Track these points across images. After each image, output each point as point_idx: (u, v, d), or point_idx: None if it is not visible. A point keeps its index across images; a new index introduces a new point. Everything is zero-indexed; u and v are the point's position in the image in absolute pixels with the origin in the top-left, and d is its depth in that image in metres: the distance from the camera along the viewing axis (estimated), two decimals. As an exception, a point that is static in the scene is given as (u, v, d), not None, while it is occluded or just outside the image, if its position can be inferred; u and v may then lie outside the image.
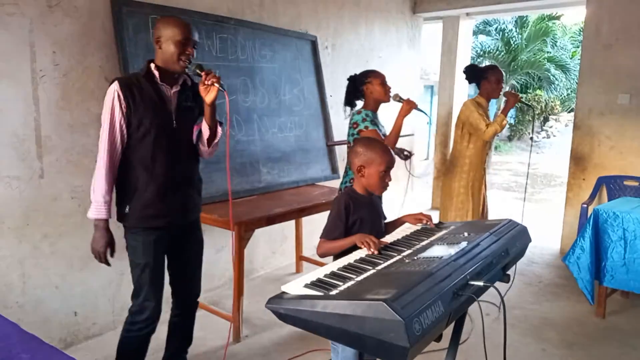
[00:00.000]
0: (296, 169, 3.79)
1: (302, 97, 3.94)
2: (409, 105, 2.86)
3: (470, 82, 3.61)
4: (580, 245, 3.21)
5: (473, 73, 3.55)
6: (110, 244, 2.08)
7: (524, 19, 12.22)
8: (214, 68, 3.24)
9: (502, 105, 3.37)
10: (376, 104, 2.94)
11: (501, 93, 3.54)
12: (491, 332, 3.00)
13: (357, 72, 2.99)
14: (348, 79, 3.01)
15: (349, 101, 3.01)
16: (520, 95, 3.21)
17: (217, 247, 3.54)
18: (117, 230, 2.13)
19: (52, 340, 2.67)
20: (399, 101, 2.94)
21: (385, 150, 1.91)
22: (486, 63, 13.07)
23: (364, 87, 2.91)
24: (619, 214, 3.12)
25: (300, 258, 4.05)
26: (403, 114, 2.85)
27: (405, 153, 3.08)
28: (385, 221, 2.13)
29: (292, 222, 3.97)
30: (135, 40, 2.82)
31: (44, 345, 1.35)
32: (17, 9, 2.41)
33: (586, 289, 3.20)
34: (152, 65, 2.04)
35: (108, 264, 2.12)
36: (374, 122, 2.84)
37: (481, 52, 12.56)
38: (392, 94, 2.96)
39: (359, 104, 3.01)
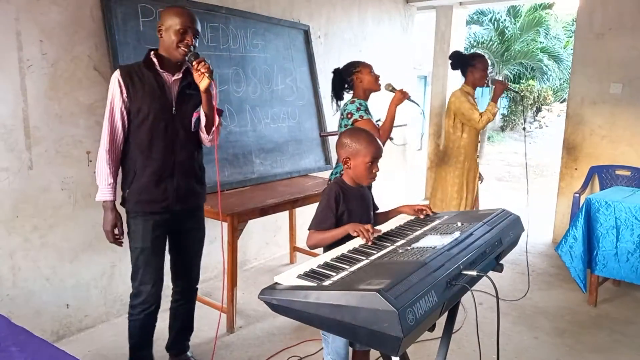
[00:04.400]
0: (289, 159, 3.77)
1: (295, 87, 3.91)
2: (402, 95, 2.84)
3: (455, 69, 3.57)
4: (573, 235, 3.23)
5: (460, 60, 3.51)
6: (118, 224, 2.16)
7: (517, 8, 12.21)
8: (205, 58, 3.21)
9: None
10: (366, 94, 2.90)
11: (487, 80, 3.51)
12: (484, 321, 3.02)
13: (341, 65, 2.95)
14: (333, 72, 2.96)
15: (337, 94, 2.97)
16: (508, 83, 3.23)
17: (210, 238, 3.50)
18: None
19: (44, 332, 2.65)
20: (391, 90, 2.92)
21: (370, 140, 1.88)
22: (479, 52, 13.06)
23: (353, 77, 2.88)
24: (610, 203, 3.14)
25: (293, 249, 4.05)
26: (396, 102, 2.84)
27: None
28: (377, 212, 2.12)
29: (286, 213, 3.96)
30: (125, 28, 2.77)
31: (33, 338, 1.34)
32: (2, -4, 2.36)
33: (579, 277, 3.23)
34: (152, 54, 2.10)
35: (119, 243, 2.20)
36: (368, 111, 2.82)
37: (474, 43, 12.54)
38: (383, 83, 2.93)
39: (347, 96, 2.98)
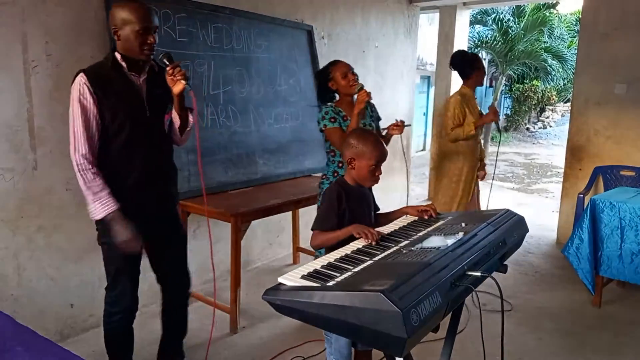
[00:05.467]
0: (292, 160, 3.77)
1: (299, 88, 3.91)
2: (366, 97, 2.55)
3: (456, 69, 3.48)
4: (579, 236, 3.22)
5: (465, 60, 3.44)
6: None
7: (521, 8, 12.16)
8: (209, 58, 3.23)
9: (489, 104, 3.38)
10: (347, 99, 2.68)
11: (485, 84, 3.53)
12: (488, 322, 3.01)
13: (351, 64, 2.74)
14: (314, 75, 2.84)
15: (322, 98, 2.76)
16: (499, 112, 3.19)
17: (213, 238, 3.51)
18: (91, 227, 2.09)
19: (49, 332, 2.66)
20: (359, 90, 2.61)
21: (377, 144, 1.88)
22: (483, 53, 13.02)
23: (331, 84, 2.67)
24: (615, 203, 3.13)
25: (297, 249, 4.05)
26: (357, 106, 2.56)
27: (398, 123, 2.71)
28: (379, 212, 2.12)
29: (289, 214, 3.96)
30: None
31: (38, 338, 1.34)
32: (8, -2, 2.38)
33: (587, 279, 3.21)
34: (119, 56, 1.95)
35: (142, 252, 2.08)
36: (335, 118, 2.59)
37: (478, 42, 12.50)
38: (358, 87, 2.62)
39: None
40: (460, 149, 3.39)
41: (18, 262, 2.54)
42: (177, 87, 1.97)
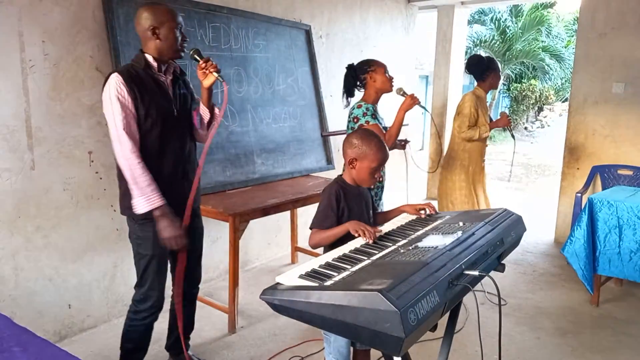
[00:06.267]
0: (291, 159, 3.77)
1: (297, 87, 3.91)
2: (413, 101, 2.80)
3: (471, 73, 3.58)
4: (577, 235, 3.23)
5: (481, 64, 3.53)
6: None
7: (519, 7, 12.20)
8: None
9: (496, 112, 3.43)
10: (377, 95, 2.87)
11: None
12: (485, 321, 3.02)
13: (355, 62, 2.92)
14: (347, 68, 2.92)
15: (349, 90, 2.92)
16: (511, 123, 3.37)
17: (211, 238, 3.53)
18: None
19: (47, 333, 2.66)
20: (402, 95, 2.88)
21: (380, 147, 1.87)
22: (482, 52, 13.03)
23: (367, 76, 2.84)
24: (613, 202, 3.13)
25: (295, 249, 4.05)
26: (405, 107, 2.80)
27: (402, 142, 3.06)
28: (377, 212, 2.12)
29: (287, 213, 3.96)
30: (127, 29, 2.77)
31: (36, 339, 1.34)
32: (4, -3, 2.37)
33: (585, 278, 3.21)
34: (150, 58, 2.03)
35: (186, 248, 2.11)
36: (375, 116, 2.79)
37: (477, 42, 12.53)
38: (395, 87, 2.90)
39: (358, 94, 2.94)
40: (468, 151, 3.41)
41: (16, 262, 2.53)
42: (209, 80, 2.07)
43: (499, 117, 3.56)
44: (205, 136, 2.25)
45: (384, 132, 2.79)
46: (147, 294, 2.15)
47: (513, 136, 3.81)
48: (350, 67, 2.92)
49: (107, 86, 1.95)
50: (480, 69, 3.50)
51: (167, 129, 2.05)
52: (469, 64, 3.57)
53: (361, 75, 2.86)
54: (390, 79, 2.85)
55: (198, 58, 2.09)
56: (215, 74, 2.06)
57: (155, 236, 2.05)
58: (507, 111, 15.86)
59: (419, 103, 2.85)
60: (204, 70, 2.06)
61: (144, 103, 1.97)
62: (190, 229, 2.26)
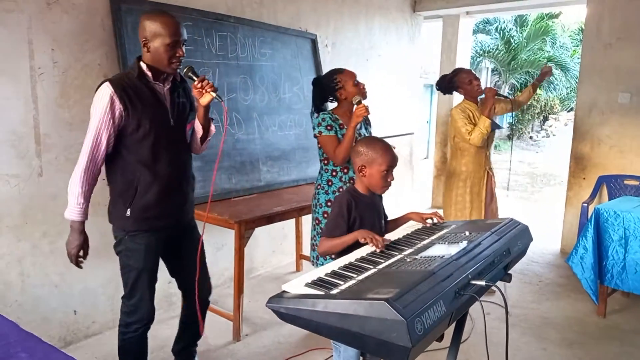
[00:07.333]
0: (296, 167, 3.78)
1: (302, 96, 3.93)
2: (361, 112, 2.43)
3: (447, 93, 3.56)
4: (583, 245, 3.21)
5: (444, 84, 3.48)
6: (84, 246, 2.03)
7: (524, 17, 12.23)
8: (213, 66, 3.25)
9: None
10: (350, 107, 2.60)
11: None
12: (492, 332, 2.99)
13: (352, 68, 2.71)
14: (312, 83, 2.73)
15: (317, 107, 2.68)
16: (497, 88, 3.15)
17: (216, 245, 3.53)
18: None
19: (52, 338, 2.66)
20: (357, 104, 2.50)
21: (386, 149, 1.88)
22: (486, 62, 13.05)
23: (337, 94, 2.59)
24: (619, 213, 3.11)
25: (300, 257, 4.04)
26: (355, 119, 2.45)
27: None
28: (387, 220, 2.12)
29: (292, 221, 3.96)
30: (134, 37, 2.79)
31: (42, 344, 1.34)
32: (15, 5, 2.40)
33: (591, 289, 3.19)
34: (144, 66, 1.97)
35: (80, 266, 2.08)
36: (331, 127, 2.51)
37: (481, 52, 12.55)
38: (359, 96, 2.54)
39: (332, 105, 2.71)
40: (464, 166, 3.39)
41: (22, 268, 2.55)
42: (206, 99, 2.01)
43: (483, 97, 3.32)
44: (199, 149, 2.22)
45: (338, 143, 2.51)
46: (137, 305, 2.10)
47: (506, 96, 3.59)
48: (315, 82, 2.72)
49: (96, 96, 1.91)
50: (447, 84, 3.45)
51: (161, 138, 2.00)
52: (439, 90, 3.56)
53: (332, 93, 2.62)
54: (361, 87, 2.58)
55: (193, 77, 2.02)
56: (213, 94, 1.99)
57: (148, 248, 2.04)
58: (511, 120, 15.83)
59: (368, 113, 2.49)
60: (200, 90, 1.99)
61: (136, 112, 1.92)
62: (187, 241, 2.25)
